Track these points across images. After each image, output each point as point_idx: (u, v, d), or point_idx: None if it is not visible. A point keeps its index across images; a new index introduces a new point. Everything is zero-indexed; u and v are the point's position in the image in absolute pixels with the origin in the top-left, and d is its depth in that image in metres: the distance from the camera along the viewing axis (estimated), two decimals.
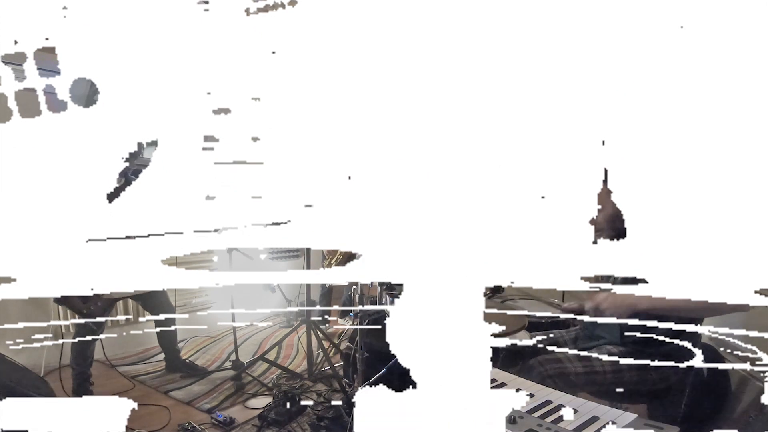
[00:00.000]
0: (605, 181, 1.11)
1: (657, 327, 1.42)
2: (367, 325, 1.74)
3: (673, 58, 1.04)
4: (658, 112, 1.04)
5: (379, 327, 1.48)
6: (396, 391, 1.03)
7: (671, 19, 1.05)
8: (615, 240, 1.12)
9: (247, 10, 1.12)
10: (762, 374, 1.28)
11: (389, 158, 1.18)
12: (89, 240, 1.10)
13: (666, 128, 1.03)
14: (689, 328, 1.50)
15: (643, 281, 1.03)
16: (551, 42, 1.11)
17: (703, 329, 1.41)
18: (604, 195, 1.11)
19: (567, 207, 1.09)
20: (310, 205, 1.18)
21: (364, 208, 1.19)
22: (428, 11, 1.10)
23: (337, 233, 1.18)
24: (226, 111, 1.16)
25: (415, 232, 1.17)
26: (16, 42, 1.05)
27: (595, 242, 1.12)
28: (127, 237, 1.13)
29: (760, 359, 1.16)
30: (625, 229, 1.50)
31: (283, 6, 1.12)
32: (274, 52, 1.15)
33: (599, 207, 1.12)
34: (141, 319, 3.14)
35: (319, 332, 2.83)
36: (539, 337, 1.73)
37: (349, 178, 1.18)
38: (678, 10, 1.04)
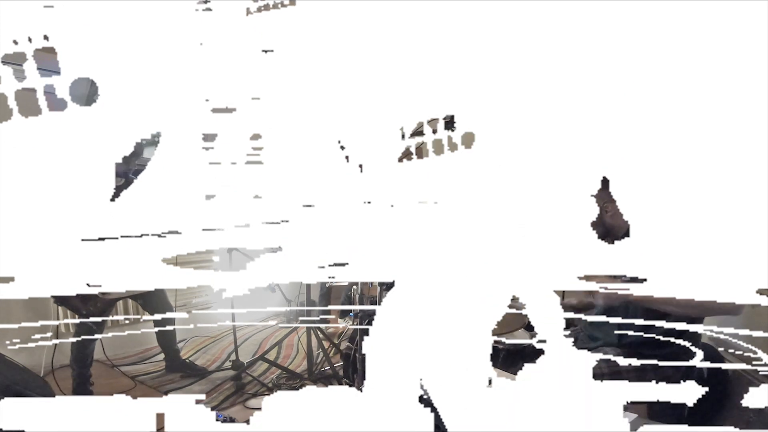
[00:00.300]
0: (603, 182, 1.11)
1: (655, 326, 1.43)
2: (367, 325, 1.74)
3: (674, 57, 1.04)
4: (659, 111, 1.04)
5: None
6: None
7: (670, 19, 1.05)
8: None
9: (247, 10, 1.12)
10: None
11: (388, 157, 1.18)
12: (88, 239, 1.10)
13: (667, 128, 1.03)
14: (689, 327, 1.50)
15: (644, 280, 1.03)
16: (553, 42, 1.11)
17: (704, 328, 1.41)
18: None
19: (567, 206, 1.09)
20: (310, 205, 1.18)
21: (364, 206, 1.18)
22: (429, 11, 1.10)
23: (338, 232, 1.18)
24: (226, 110, 1.15)
25: (415, 231, 1.17)
26: (15, 42, 1.05)
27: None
28: (127, 236, 1.13)
29: (760, 359, 1.16)
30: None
31: (283, 5, 1.12)
32: (273, 51, 1.15)
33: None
34: (139, 317, 3.13)
35: (319, 333, 2.83)
36: (535, 339, 1.73)
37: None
38: (677, 10, 1.04)
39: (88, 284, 1.08)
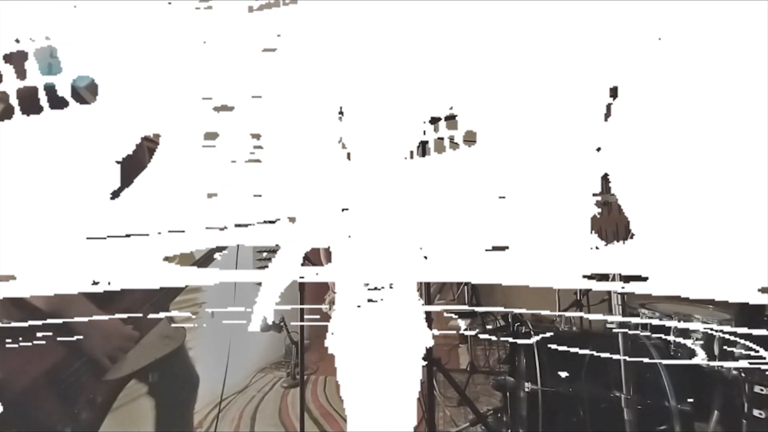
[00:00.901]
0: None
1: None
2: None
3: (676, 57, 1.04)
4: (660, 110, 1.04)
5: None
6: None
7: (672, 18, 1.05)
8: None
9: (250, 8, 1.12)
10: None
11: (392, 157, 1.18)
12: (89, 238, 1.10)
13: (670, 127, 1.03)
14: (687, 326, 1.50)
15: (645, 279, 1.03)
16: (554, 42, 1.11)
17: (703, 327, 1.41)
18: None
19: (568, 204, 1.09)
20: (312, 204, 1.18)
21: (366, 206, 1.18)
22: (432, 9, 1.11)
23: (340, 232, 1.17)
24: (228, 109, 1.15)
25: (416, 231, 1.17)
26: (17, 41, 1.04)
27: None
28: (128, 235, 1.13)
29: (762, 358, 1.16)
30: None
31: (285, 3, 1.12)
32: (275, 49, 1.15)
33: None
34: None
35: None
36: (537, 338, 1.73)
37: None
38: (678, 10, 1.04)
39: (94, 281, 1.08)
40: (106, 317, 1.33)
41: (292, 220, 1.18)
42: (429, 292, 2.35)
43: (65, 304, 1.27)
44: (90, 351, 1.34)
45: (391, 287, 1.14)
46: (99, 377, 1.38)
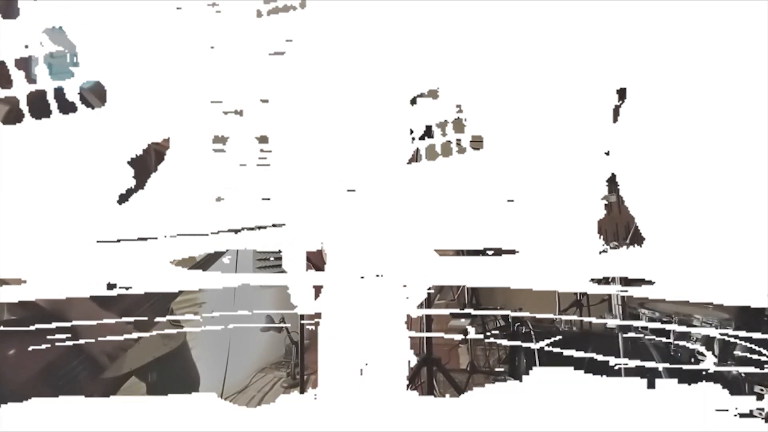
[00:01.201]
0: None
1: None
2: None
3: (681, 59, 1.05)
4: (668, 114, 1.05)
5: None
6: None
7: (675, 19, 1.06)
8: None
9: (258, 12, 1.12)
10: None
11: (397, 159, 1.18)
12: (97, 242, 1.10)
13: (677, 129, 1.04)
14: (688, 329, 1.51)
15: (650, 282, 1.04)
16: (553, 42, 1.12)
17: (706, 330, 1.43)
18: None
19: (576, 207, 1.10)
20: (317, 207, 1.18)
21: (371, 208, 1.19)
22: (440, 14, 1.11)
23: (344, 235, 1.18)
24: (236, 113, 1.15)
25: (422, 232, 1.18)
26: (26, 46, 1.04)
27: None
28: (135, 239, 1.12)
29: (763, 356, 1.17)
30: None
31: (293, 8, 1.12)
32: (283, 53, 1.15)
33: None
34: None
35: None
36: (545, 341, 1.74)
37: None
38: (680, 10, 1.05)
39: (108, 284, 1.08)
40: (106, 320, 1.34)
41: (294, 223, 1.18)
42: (429, 293, 2.33)
43: (66, 302, 1.27)
44: (87, 348, 1.35)
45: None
46: (97, 375, 1.38)
